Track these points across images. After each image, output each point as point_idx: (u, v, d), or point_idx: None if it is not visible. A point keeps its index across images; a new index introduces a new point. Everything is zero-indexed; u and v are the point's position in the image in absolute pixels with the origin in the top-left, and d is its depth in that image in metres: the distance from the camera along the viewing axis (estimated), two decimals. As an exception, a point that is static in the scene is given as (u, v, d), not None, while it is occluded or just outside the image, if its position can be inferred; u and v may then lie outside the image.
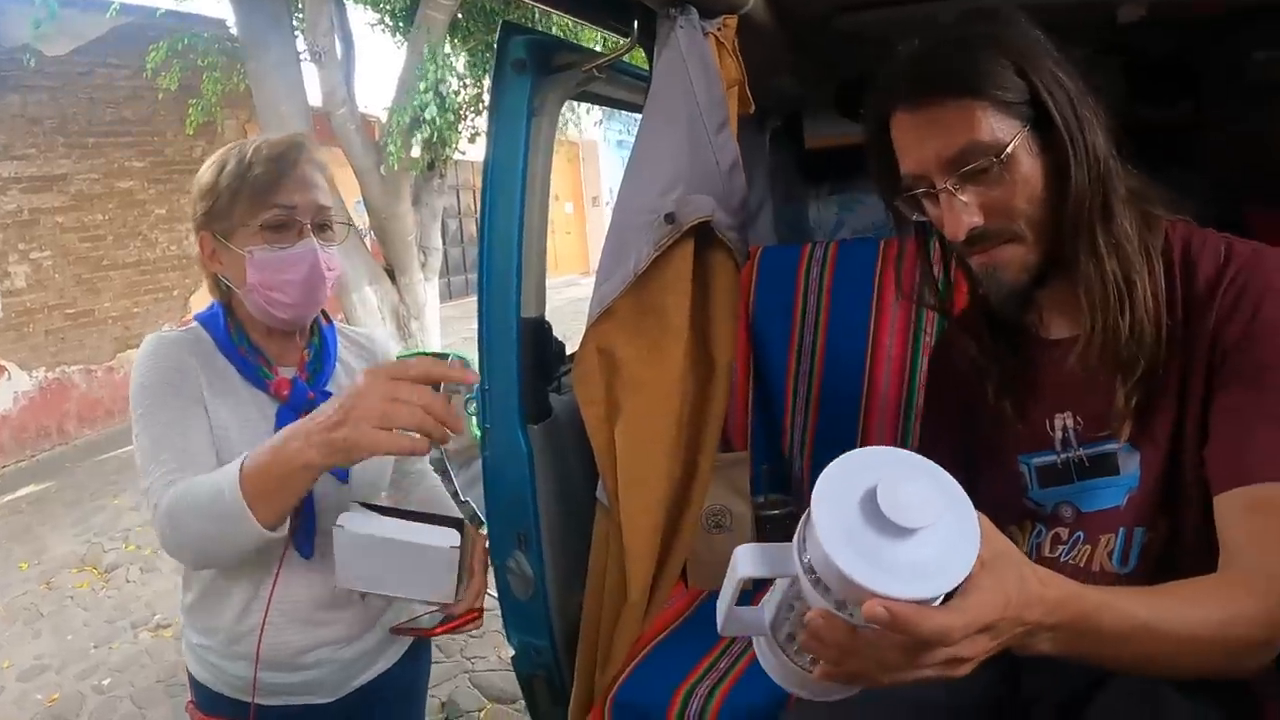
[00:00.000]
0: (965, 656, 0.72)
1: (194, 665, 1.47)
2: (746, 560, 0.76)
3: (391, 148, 6.67)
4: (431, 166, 7.10)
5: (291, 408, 1.38)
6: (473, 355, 1.74)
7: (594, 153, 17.77)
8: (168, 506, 1.21)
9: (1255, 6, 1.75)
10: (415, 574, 1.35)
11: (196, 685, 1.47)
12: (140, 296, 8.32)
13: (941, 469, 0.73)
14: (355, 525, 1.32)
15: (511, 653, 1.76)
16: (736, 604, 0.80)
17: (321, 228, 1.40)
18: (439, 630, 1.46)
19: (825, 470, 0.71)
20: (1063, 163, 0.99)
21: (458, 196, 13.25)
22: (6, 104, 7.19)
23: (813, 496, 0.70)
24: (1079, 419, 1.12)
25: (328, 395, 1.41)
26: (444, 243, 9.04)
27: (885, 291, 2.01)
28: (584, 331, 1.50)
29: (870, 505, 0.67)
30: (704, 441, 1.58)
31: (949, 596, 0.69)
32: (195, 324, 1.42)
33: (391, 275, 7.10)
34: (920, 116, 1.02)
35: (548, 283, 1.68)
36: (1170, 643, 0.83)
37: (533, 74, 1.58)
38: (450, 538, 1.34)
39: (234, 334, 1.40)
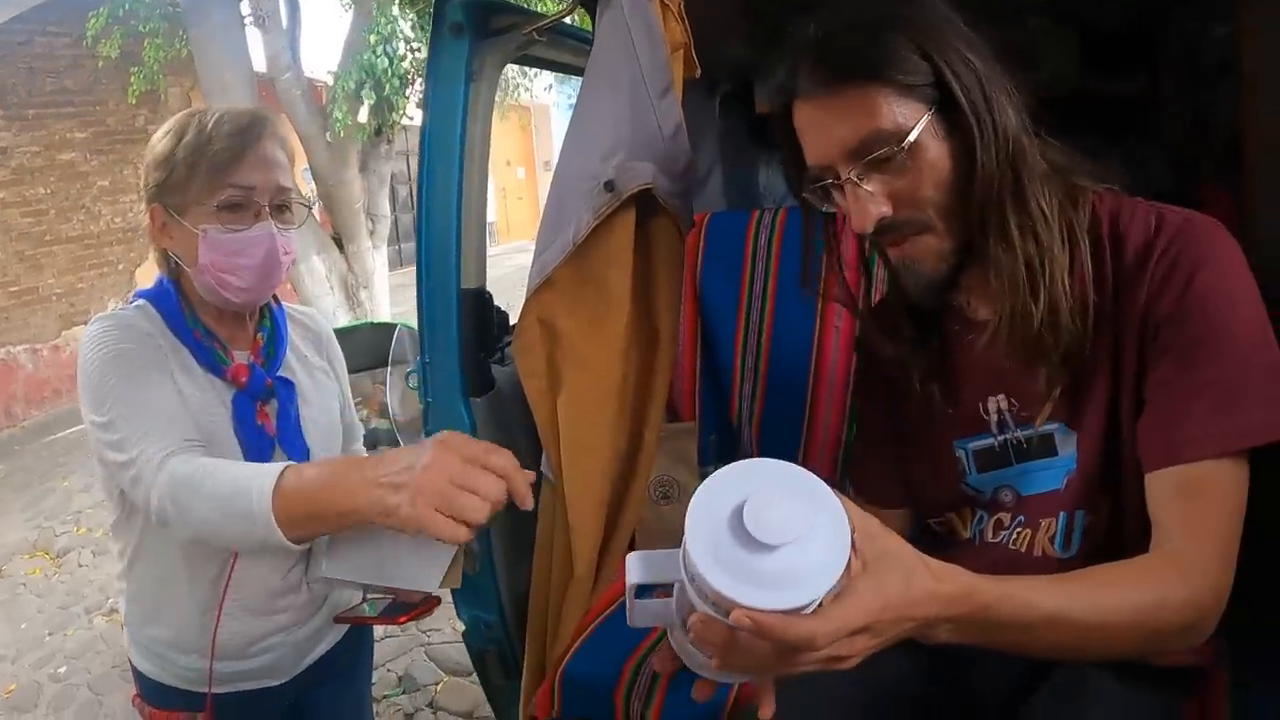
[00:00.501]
0: (842, 655, 0.74)
1: (139, 658, 1.43)
2: (635, 568, 0.80)
3: (338, 114, 6.52)
4: (379, 132, 6.96)
5: (249, 394, 1.34)
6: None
7: (546, 117, 17.64)
8: (172, 482, 1.11)
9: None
10: (409, 563, 1.31)
11: (142, 678, 1.44)
12: (85, 272, 8.07)
13: (820, 481, 0.74)
14: None
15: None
16: (650, 596, 0.83)
17: (280, 209, 1.34)
18: (401, 620, 1.43)
19: (702, 484, 0.75)
20: (970, 145, 0.96)
21: (407, 162, 12.97)
22: (-56, 76, 6.92)
23: (687, 512, 0.73)
24: (1013, 400, 1.10)
25: (284, 381, 1.40)
26: (393, 209, 8.91)
27: (829, 310, 1.95)
28: (524, 301, 1.47)
29: (738, 521, 0.70)
30: (649, 413, 1.56)
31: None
32: (142, 302, 1.35)
33: (339, 244, 6.97)
34: (820, 105, 0.99)
35: (499, 249, 1.65)
36: (1078, 630, 0.84)
37: (471, 37, 1.53)
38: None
39: (187, 315, 1.34)
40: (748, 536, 0.69)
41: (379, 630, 3.32)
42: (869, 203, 0.97)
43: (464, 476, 0.95)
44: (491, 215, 12.50)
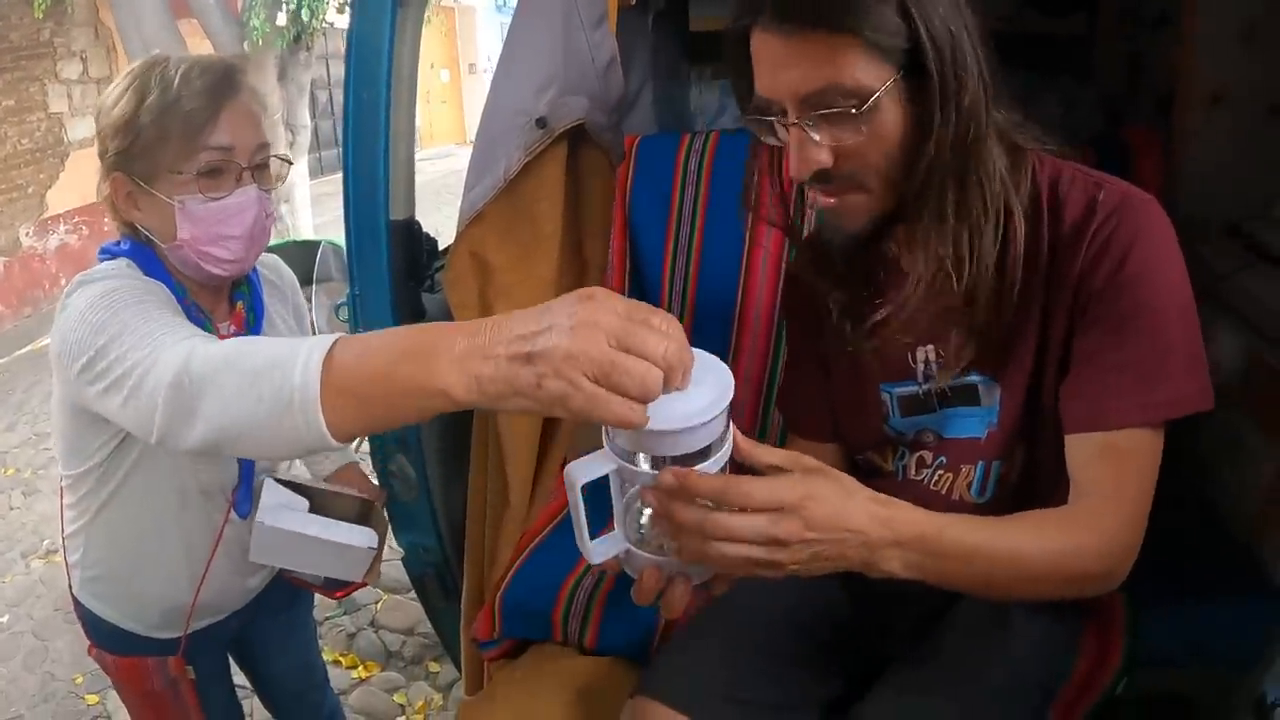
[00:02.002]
0: (780, 538, 0.80)
1: (95, 602, 1.39)
2: (579, 471, 0.80)
3: (255, 21, 6.26)
4: (298, 39, 6.70)
5: None
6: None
7: (471, 18, 17.04)
8: (190, 357, 0.88)
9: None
10: (331, 564, 1.41)
11: (97, 625, 1.40)
12: None
13: (706, 352, 0.78)
14: (275, 520, 1.33)
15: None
16: (591, 538, 0.84)
17: (259, 169, 1.24)
18: (336, 595, 1.54)
19: None
20: (927, 120, 0.92)
21: (327, 67, 12.39)
22: None
23: None
24: (940, 351, 1.12)
25: None
26: (314, 117, 8.60)
27: (758, 230, 1.95)
28: (455, 236, 1.46)
29: None
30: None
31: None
32: (122, 261, 1.21)
33: (260, 157, 6.75)
34: (783, 41, 0.92)
35: (422, 154, 1.62)
36: (1008, 566, 0.91)
37: (398, -39, 1.47)
38: (369, 538, 1.38)
39: (176, 284, 1.23)
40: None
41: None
42: (812, 150, 0.94)
43: (629, 335, 0.69)
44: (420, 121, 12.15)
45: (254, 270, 1.39)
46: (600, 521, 0.85)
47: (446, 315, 1.58)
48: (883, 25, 0.88)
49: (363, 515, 1.49)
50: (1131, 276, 0.96)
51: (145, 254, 1.23)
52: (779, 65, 0.93)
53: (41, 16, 7.28)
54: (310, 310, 4.02)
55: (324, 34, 7.31)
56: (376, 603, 3.15)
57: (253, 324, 1.35)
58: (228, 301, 1.34)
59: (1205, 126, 1.65)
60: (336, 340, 0.79)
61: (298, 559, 1.40)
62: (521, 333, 0.70)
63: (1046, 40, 2.15)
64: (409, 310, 1.62)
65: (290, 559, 1.40)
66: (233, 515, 1.35)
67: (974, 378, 1.11)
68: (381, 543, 1.46)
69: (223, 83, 1.19)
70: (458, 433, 1.66)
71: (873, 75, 0.90)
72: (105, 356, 1.00)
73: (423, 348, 0.73)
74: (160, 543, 1.33)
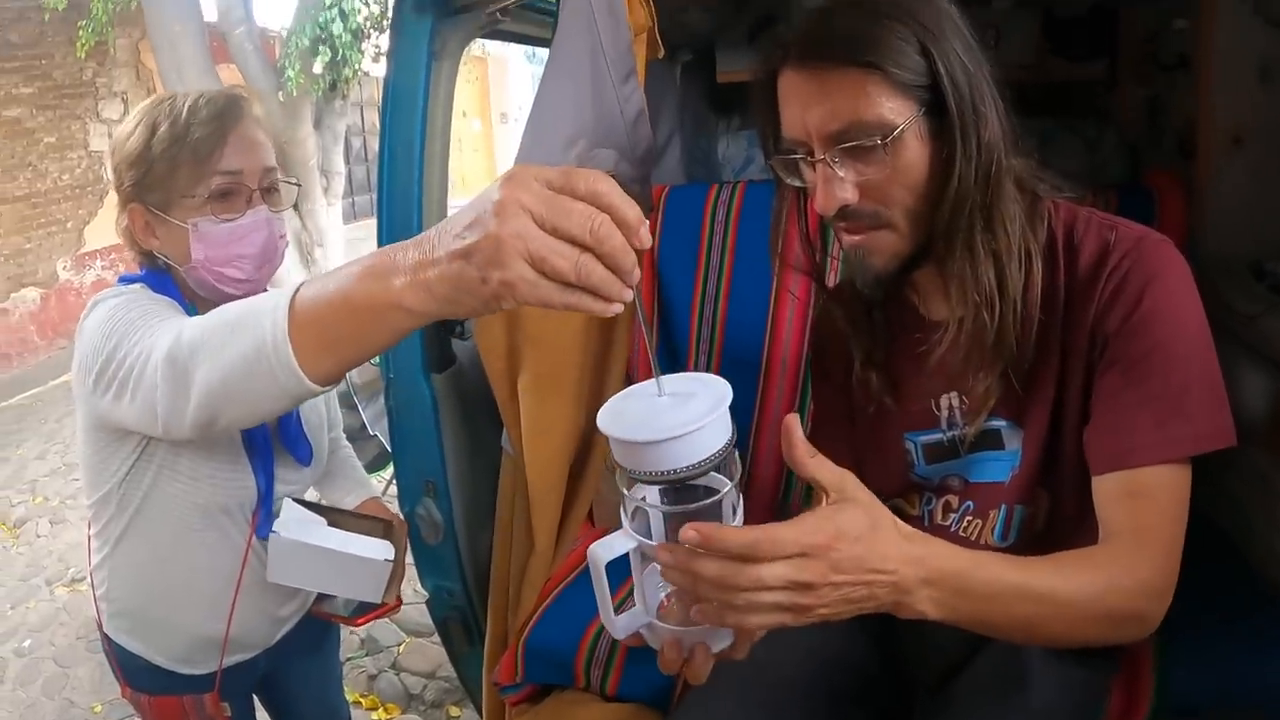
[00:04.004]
0: (803, 581, 0.76)
1: (124, 636, 1.39)
2: (602, 550, 0.82)
3: (290, 71, 6.41)
4: (334, 88, 6.85)
5: None
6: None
7: (504, 68, 17.32)
8: (184, 332, 0.94)
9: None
10: (349, 579, 1.40)
11: (127, 659, 1.40)
12: (32, 231, 7.76)
13: (714, 377, 0.80)
14: (293, 532, 1.32)
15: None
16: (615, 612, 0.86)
17: (268, 192, 1.29)
18: (360, 621, 1.51)
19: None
20: (950, 155, 0.95)
21: (361, 113, 12.66)
22: (-122, 23, 6.63)
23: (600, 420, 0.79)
24: (964, 398, 1.13)
25: None
26: (347, 162, 8.77)
27: (791, 236, 1.98)
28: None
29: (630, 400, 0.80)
30: (606, 390, 1.60)
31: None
32: (139, 285, 1.26)
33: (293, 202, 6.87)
34: (809, 79, 0.97)
35: (453, 202, 1.65)
36: (1039, 604, 0.88)
37: (434, 16, 1.52)
38: (385, 550, 1.38)
39: (190, 306, 1.26)
40: (643, 403, 0.78)
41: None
42: (837, 187, 0.97)
43: (552, 214, 0.64)
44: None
45: None
46: (620, 577, 0.86)
47: (477, 363, 1.59)
48: (904, 62, 0.93)
49: (382, 535, 1.50)
50: (1147, 316, 0.97)
51: (161, 279, 1.28)
52: (806, 103, 0.97)
53: (84, 56, 7.50)
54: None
55: (359, 82, 7.46)
56: (399, 645, 3.16)
57: None
58: None
59: (1226, 167, 1.66)
60: (304, 282, 0.82)
61: (315, 576, 1.38)
62: (457, 230, 0.67)
63: (1068, 87, 2.18)
64: (438, 353, 1.65)
65: (308, 576, 1.38)
66: (255, 543, 1.35)
67: (997, 422, 1.11)
68: (401, 561, 1.45)
69: (227, 111, 1.24)
70: (485, 477, 1.68)
71: (895, 110, 0.94)
72: (112, 360, 1.05)
73: (376, 265, 0.73)
74: (183, 568, 1.34)
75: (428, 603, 1.80)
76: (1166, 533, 0.95)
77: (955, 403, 1.14)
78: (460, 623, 1.78)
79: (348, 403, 4.11)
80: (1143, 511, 0.95)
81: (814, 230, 1.20)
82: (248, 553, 1.35)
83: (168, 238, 1.26)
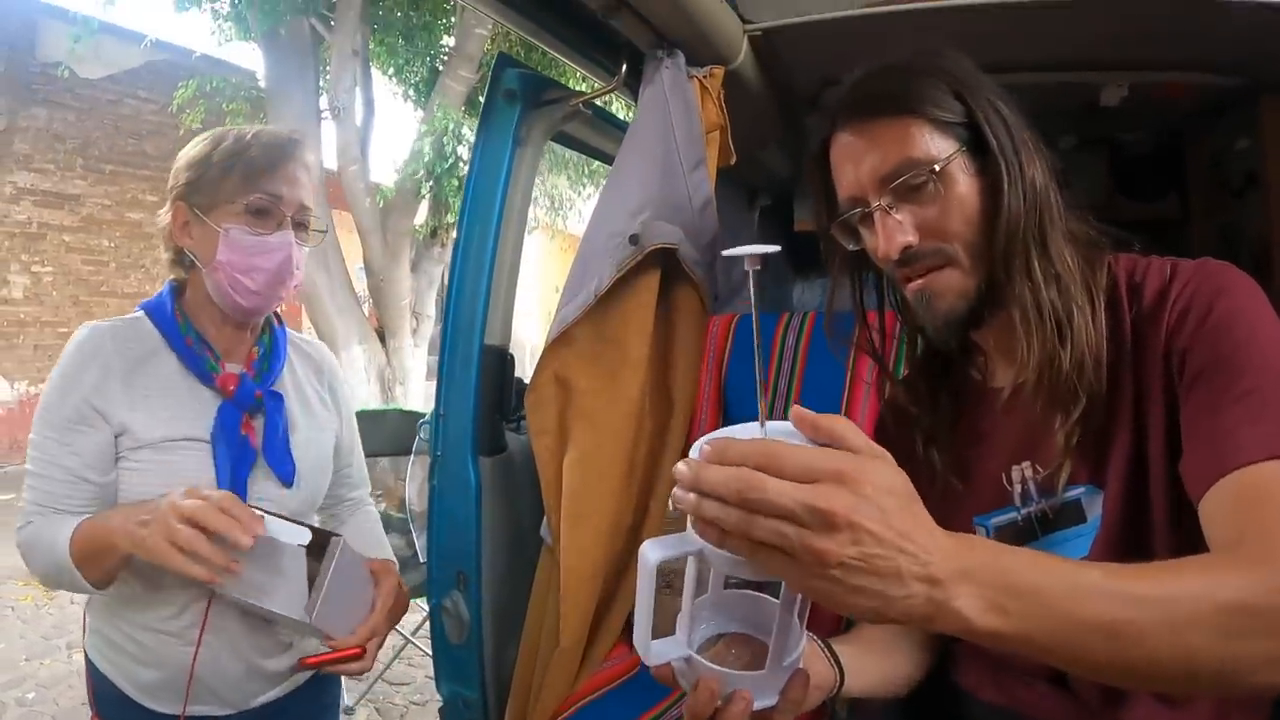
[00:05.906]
0: (823, 509, 0.60)
1: (96, 655, 1.41)
2: (656, 549, 0.72)
3: (394, 215, 6.74)
4: (434, 234, 7.16)
5: (236, 404, 1.34)
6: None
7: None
8: (23, 541, 1.30)
9: (1231, 89, 1.78)
10: (274, 576, 1.24)
11: (99, 680, 1.40)
12: None
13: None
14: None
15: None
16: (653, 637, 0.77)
17: (300, 226, 1.38)
18: (322, 659, 1.33)
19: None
20: (998, 187, 0.98)
21: (456, 262, 13.27)
22: (33, 116, 7.41)
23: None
24: (1037, 467, 1.05)
25: (275, 395, 1.39)
26: (438, 307, 9.08)
27: (860, 364, 1.96)
28: (540, 355, 1.46)
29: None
30: (657, 485, 1.53)
31: None
32: (139, 313, 1.38)
33: (382, 337, 7.09)
34: (858, 135, 1.02)
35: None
36: (1131, 603, 0.67)
37: (521, 104, 1.59)
38: (300, 535, 1.23)
39: (181, 323, 1.36)
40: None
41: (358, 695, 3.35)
42: (896, 231, 0.99)
43: (192, 513, 1.10)
44: (535, 338, 12.62)
45: (281, 329, 1.48)
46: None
47: (526, 455, 1.56)
48: (941, 104, 1.00)
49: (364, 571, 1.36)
50: (1221, 322, 0.92)
51: (161, 306, 1.38)
52: (857, 158, 1.02)
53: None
54: (406, 481, 4.02)
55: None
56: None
57: (265, 370, 1.41)
58: (248, 345, 1.42)
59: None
60: (80, 522, 1.23)
61: (247, 573, 1.20)
62: (154, 506, 1.15)
63: (1141, 225, 2.15)
64: (489, 438, 1.61)
65: (247, 584, 1.22)
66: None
67: (1075, 491, 1.02)
68: (330, 557, 1.27)
69: (286, 145, 1.35)
70: (521, 577, 1.61)
71: (940, 147, 0.99)
72: (29, 469, 1.32)
73: (104, 520, 1.22)
74: (149, 584, 1.31)
75: (441, 709, 1.69)
76: None
77: (1029, 473, 1.06)
78: (474, 733, 1.67)
79: (401, 528, 4.08)
80: (1257, 512, 0.79)
81: (890, 325, 1.20)
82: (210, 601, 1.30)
83: (200, 238, 1.35)
